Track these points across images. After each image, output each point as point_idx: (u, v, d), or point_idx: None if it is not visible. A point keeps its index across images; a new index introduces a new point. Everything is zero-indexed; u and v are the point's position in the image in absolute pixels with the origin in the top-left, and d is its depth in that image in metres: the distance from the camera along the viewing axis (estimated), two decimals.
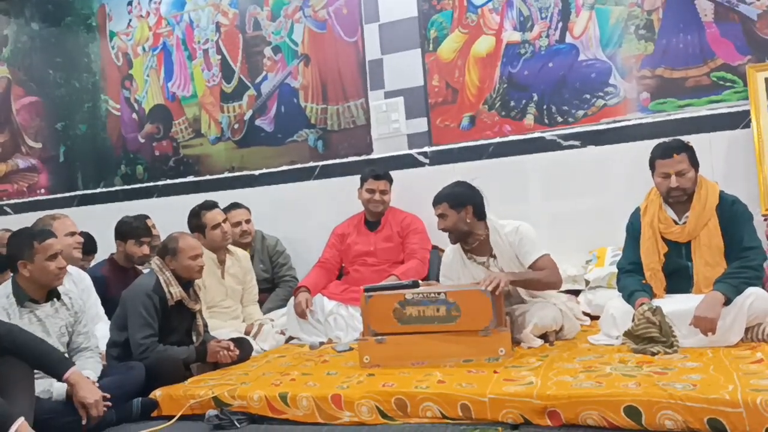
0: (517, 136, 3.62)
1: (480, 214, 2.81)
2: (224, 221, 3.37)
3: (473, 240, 2.82)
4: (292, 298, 3.42)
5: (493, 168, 3.63)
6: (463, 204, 2.78)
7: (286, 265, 3.83)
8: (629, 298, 2.64)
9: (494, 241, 2.79)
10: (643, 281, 2.67)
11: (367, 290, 2.66)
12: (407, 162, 3.82)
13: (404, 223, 3.53)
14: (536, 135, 3.58)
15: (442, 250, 3.62)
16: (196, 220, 3.34)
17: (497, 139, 3.66)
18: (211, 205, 3.37)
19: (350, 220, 3.67)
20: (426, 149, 3.81)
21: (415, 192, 3.79)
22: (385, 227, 3.55)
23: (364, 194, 3.57)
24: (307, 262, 3.72)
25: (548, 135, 3.55)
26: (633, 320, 2.52)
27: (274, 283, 3.81)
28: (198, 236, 3.26)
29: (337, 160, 4.02)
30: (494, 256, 2.82)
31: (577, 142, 3.50)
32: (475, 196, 2.81)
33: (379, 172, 3.58)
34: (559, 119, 3.56)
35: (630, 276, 2.71)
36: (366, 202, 3.57)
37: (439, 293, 2.55)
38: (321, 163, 4.05)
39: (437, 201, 2.80)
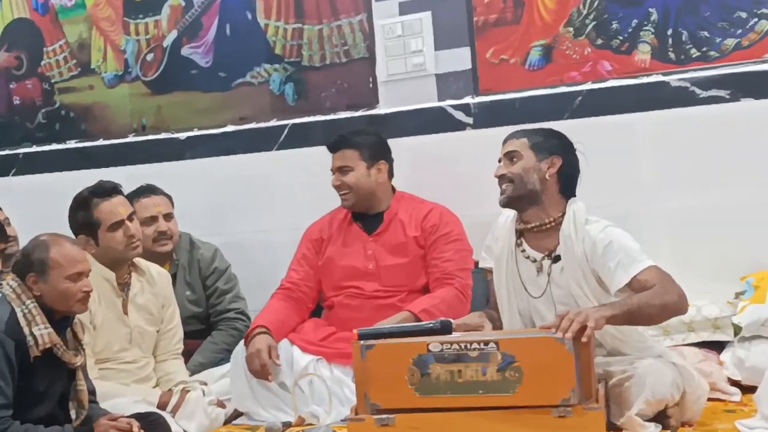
0: (622, 79, 3.60)
1: (566, 183, 2.91)
2: (130, 217, 3.36)
3: (535, 217, 2.88)
4: (240, 345, 3.42)
5: (580, 133, 3.51)
6: (551, 151, 2.90)
7: (231, 293, 3.83)
8: None
9: (566, 234, 2.83)
10: None
11: (363, 336, 2.64)
12: (437, 122, 3.82)
13: (428, 221, 3.53)
14: (654, 78, 3.56)
15: (490, 272, 3.65)
16: (83, 213, 3.32)
17: (588, 85, 3.64)
18: (109, 190, 3.35)
19: (333, 215, 3.67)
20: (468, 100, 3.80)
21: (449, 172, 3.79)
22: (391, 227, 3.55)
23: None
24: (266, 287, 3.71)
25: (674, 79, 3.53)
26: None
27: (210, 321, 3.82)
28: (85, 241, 3.25)
29: (319, 117, 4.01)
30: (557, 258, 2.85)
31: (723, 92, 3.48)
32: (571, 155, 2.94)
33: (336, 139, 3.57)
34: (694, 53, 3.54)
35: None
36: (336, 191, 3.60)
37: (486, 343, 2.54)
38: (291, 122, 4.05)
39: (515, 134, 2.97)
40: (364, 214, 3.57)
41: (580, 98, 3.64)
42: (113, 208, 3.30)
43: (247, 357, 3.33)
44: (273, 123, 4.08)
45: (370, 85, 3.95)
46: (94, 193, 3.32)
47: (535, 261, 2.88)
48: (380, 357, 2.60)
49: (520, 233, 2.92)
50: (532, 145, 2.89)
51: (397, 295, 3.45)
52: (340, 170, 3.52)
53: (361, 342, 2.63)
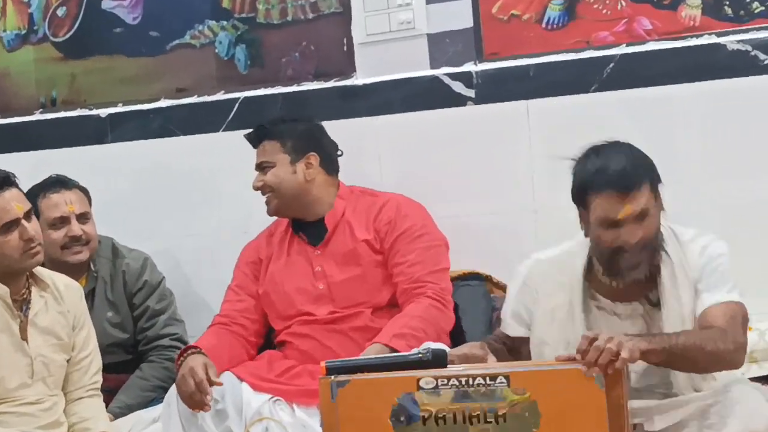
0: (665, 41, 3.61)
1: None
2: (27, 216, 3.34)
3: (636, 265, 2.79)
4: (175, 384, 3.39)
5: (611, 109, 3.62)
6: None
7: (165, 314, 3.84)
8: None
9: (670, 274, 2.80)
10: None
11: (333, 370, 2.62)
12: (430, 95, 3.83)
13: (381, 218, 3.56)
14: (706, 40, 3.57)
15: (492, 281, 3.68)
16: None
17: (622, 48, 3.65)
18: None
19: (272, 229, 3.70)
20: (469, 68, 3.81)
21: (444, 158, 3.80)
22: (337, 233, 3.58)
23: None
24: (210, 307, 3.74)
25: (731, 41, 3.54)
26: None
27: (138, 350, 3.83)
28: None
29: (279, 89, 4.03)
30: (656, 304, 2.83)
31: None
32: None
33: (255, 129, 3.62)
34: (756, 7, 3.54)
35: None
36: None
37: (493, 377, 2.53)
38: (243, 95, 4.07)
39: (632, 178, 2.75)
40: (305, 222, 3.59)
41: (611, 65, 3.64)
42: (5, 204, 3.25)
43: (178, 380, 3.30)
44: (220, 96, 4.09)
45: (344, 48, 3.95)
46: None
47: (628, 315, 2.85)
48: (356, 396, 2.57)
49: (595, 281, 2.89)
50: (652, 188, 2.83)
51: (356, 316, 3.48)
52: (259, 167, 3.57)
53: (331, 377, 2.59)
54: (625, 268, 2.77)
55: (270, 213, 3.60)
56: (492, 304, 3.63)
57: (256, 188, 3.57)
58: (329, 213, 3.56)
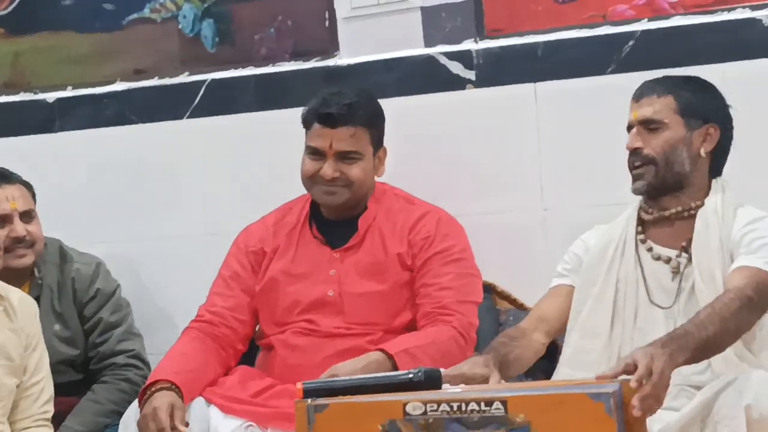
0: (692, 15, 3.61)
1: (719, 159, 3.09)
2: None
3: (675, 202, 3.03)
4: (133, 406, 3.40)
5: (630, 93, 3.50)
6: (705, 117, 3.03)
7: (121, 328, 3.85)
8: None
9: (705, 219, 2.99)
10: None
11: (310, 392, 2.61)
12: (424, 77, 3.84)
13: (419, 231, 3.55)
14: (740, 14, 3.57)
15: (496, 291, 3.69)
16: None
17: (643, 24, 3.65)
18: None
19: (279, 217, 3.66)
20: (469, 46, 3.81)
21: (440, 149, 3.82)
22: (367, 239, 3.57)
23: (305, 162, 3.55)
24: (172, 320, 3.78)
25: (767, 15, 3.53)
26: None
27: (90, 369, 3.84)
28: None
29: (252, 70, 4.05)
30: (689, 255, 2.98)
31: None
32: (727, 115, 3.09)
33: (332, 107, 3.49)
34: None
35: None
36: (308, 179, 3.55)
37: (489, 402, 2.50)
38: (211, 77, 4.08)
39: (653, 87, 3.07)
40: (328, 218, 3.56)
41: (631, 42, 3.65)
42: None
43: (139, 421, 3.29)
44: (184, 78, 4.10)
45: (326, 24, 3.96)
46: None
47: (667, 260, 3.01)
48: (335, 422, 2.55)
49: (646, 224, 3.07)
50: (681, 108, 2.99)
51: (366, 335, 3.44)
52: (341, 156, 3.46)
53: (308, 400, 2.57)
54: (632, 175, 3.04)
55: (333, 205, 3.52)
56: (498, 318, 3.62)
57: (331, 179, 3.46)
58: (363, 215, 3.53)
